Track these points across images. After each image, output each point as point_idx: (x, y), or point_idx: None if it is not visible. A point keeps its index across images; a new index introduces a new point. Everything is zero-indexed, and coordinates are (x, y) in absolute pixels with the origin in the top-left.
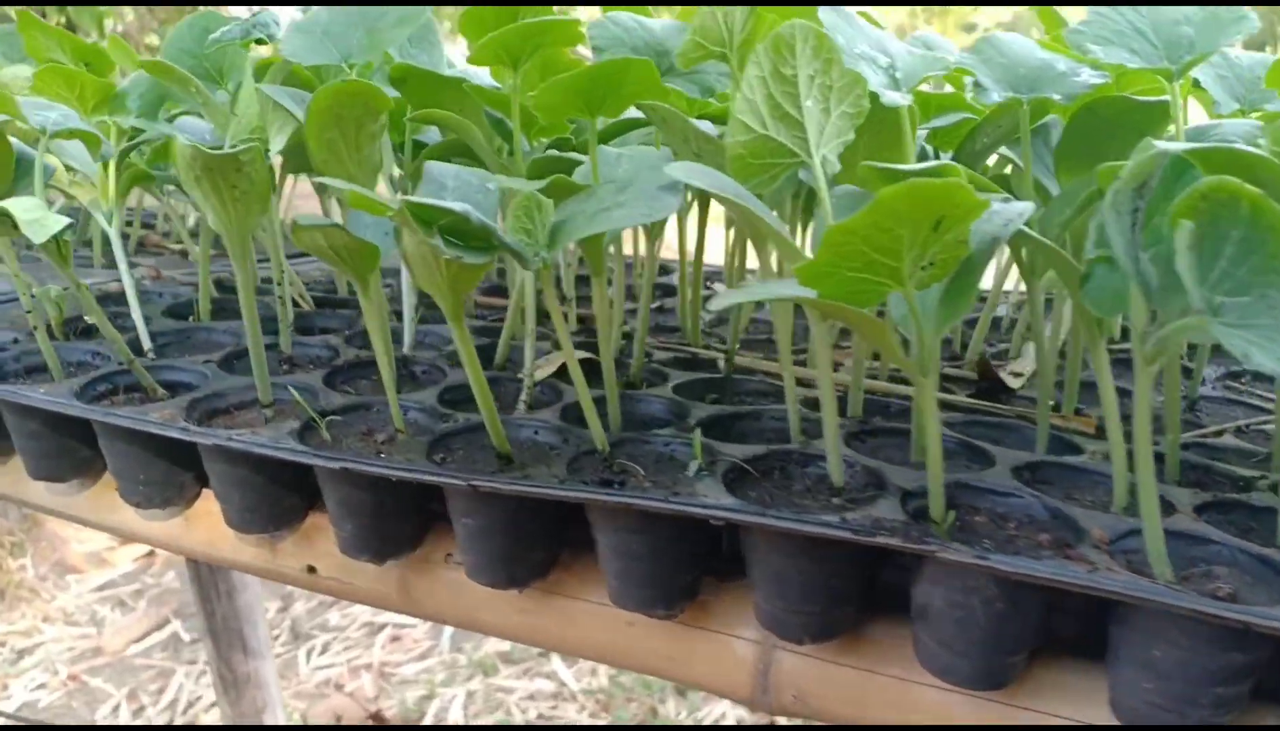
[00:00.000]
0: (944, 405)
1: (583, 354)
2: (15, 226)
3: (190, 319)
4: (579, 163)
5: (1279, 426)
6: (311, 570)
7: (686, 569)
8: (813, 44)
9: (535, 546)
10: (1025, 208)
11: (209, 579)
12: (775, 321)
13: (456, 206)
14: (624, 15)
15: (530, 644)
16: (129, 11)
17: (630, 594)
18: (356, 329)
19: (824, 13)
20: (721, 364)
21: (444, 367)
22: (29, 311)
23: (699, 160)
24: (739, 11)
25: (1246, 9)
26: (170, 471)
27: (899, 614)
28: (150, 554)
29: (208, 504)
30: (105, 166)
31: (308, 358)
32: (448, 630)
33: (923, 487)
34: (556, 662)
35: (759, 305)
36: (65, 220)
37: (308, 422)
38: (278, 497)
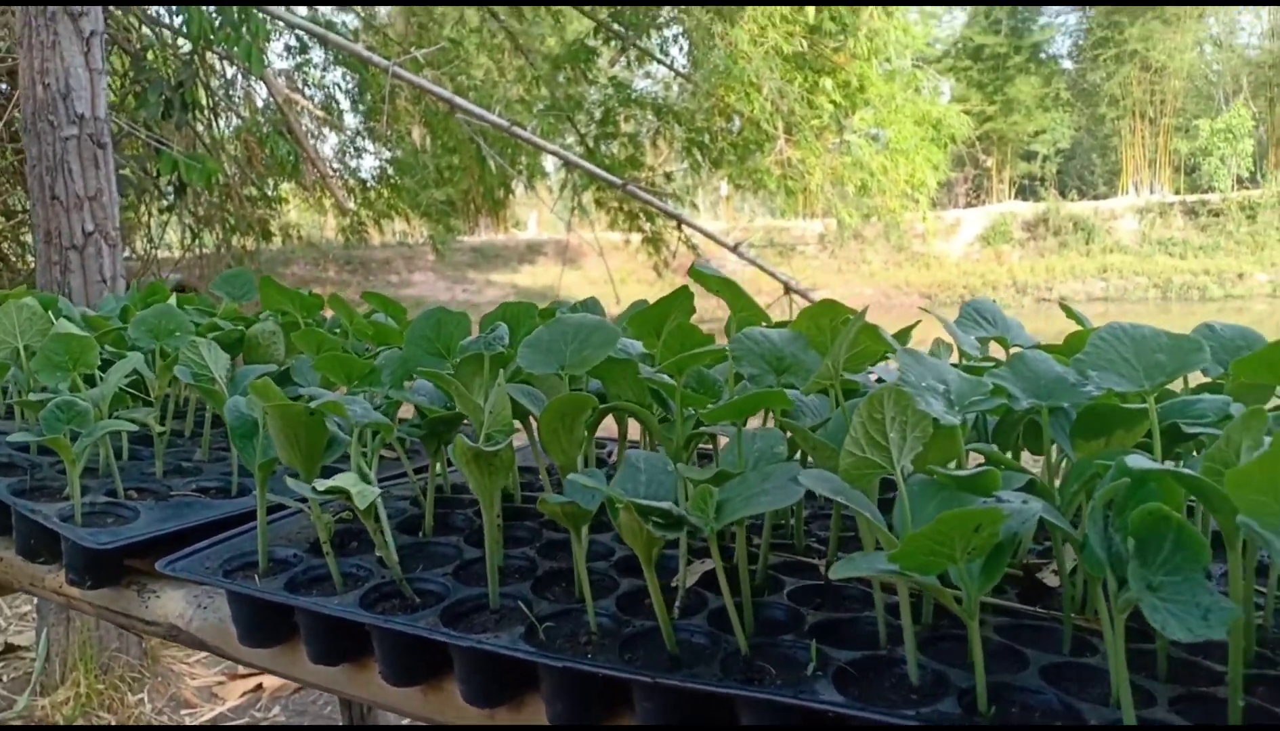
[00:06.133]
0: (997, 609)
1: (711, 563)
2: (349, 497)
3: (419, 533)
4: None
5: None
6: None
7: None
8: (894, 398)
9: (696, 724)
10: (1035, 510)
11: (359, 718)
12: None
13: (663, 505)
14: (755, 331)
15: None
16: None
17: None
18: (543, 540)
19: (901, 355)
20: (822, 568)
21: (615, 577)
22: (324, 543)
23: (813, 451)
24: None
25: (1202, 340)
26: (424, 658)
27: None
28: (258, 688)
29: (439, 680)
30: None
31: (514, 568)
32: None
33: (969, 687)
34: None
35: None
36: (378, 491)
37: (529, 626)
38: (504, 681)
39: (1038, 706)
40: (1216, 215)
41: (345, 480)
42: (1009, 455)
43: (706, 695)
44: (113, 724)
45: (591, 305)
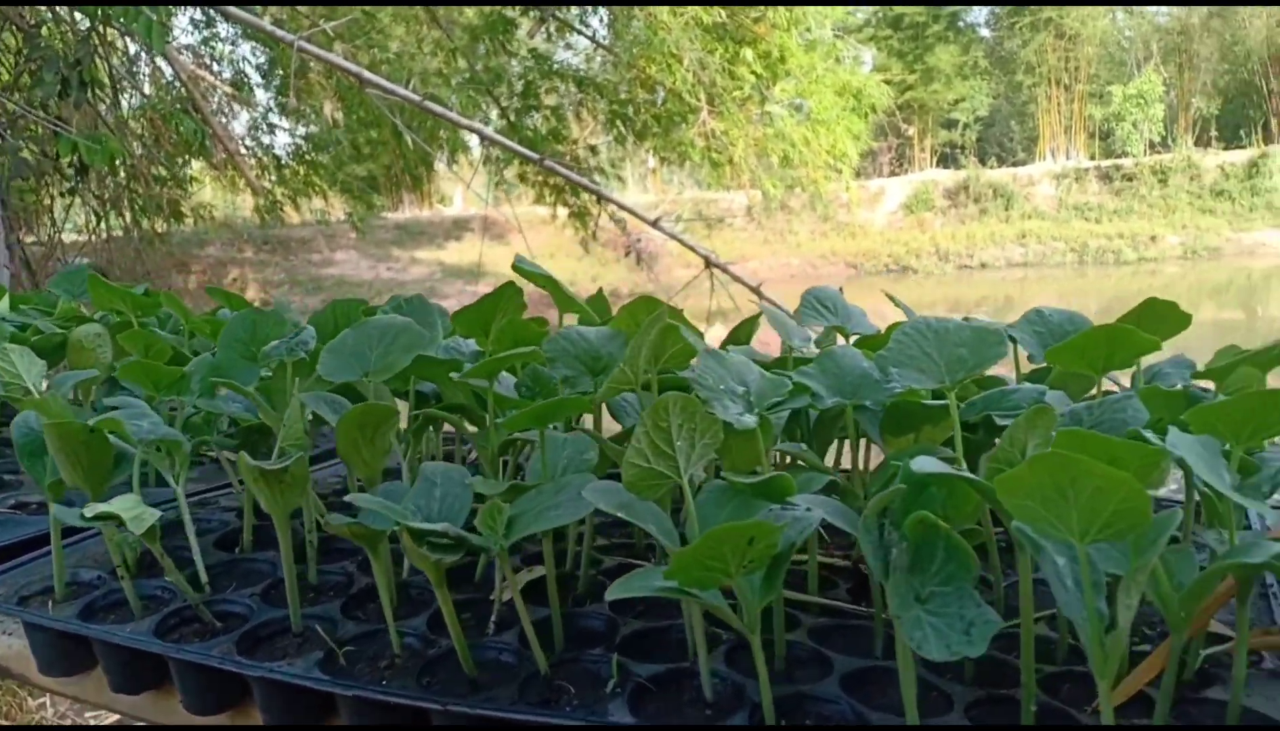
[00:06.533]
0: (823, 609)
1: (542, 571)
2: (121, 522)
3: (236, 549)
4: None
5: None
6: None
7: None
8: (681, 405)
9: None
10: (815, 518)
11: None
12: None
13: (439, 527)
14: (571, 330)
15: None
16: None
17: None
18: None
19: (702, 356)
20: None
21: (430, 591)
22: (119, 567)
23: (617, 458)
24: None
25: (1002, 332)
26: (226, 687)
27: None
28: None
29: (244, 707)
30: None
31: (329, 584)
32: None
33: (774, 698)
34: None
35: None
36: (157, 513)
37: (329, 652)
38: (305, 707)
39: (832, 717)
40: (1130, 180)
41: (121, 504)
42: (833, 449)
43: (500, 719)
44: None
45: (417, 304)
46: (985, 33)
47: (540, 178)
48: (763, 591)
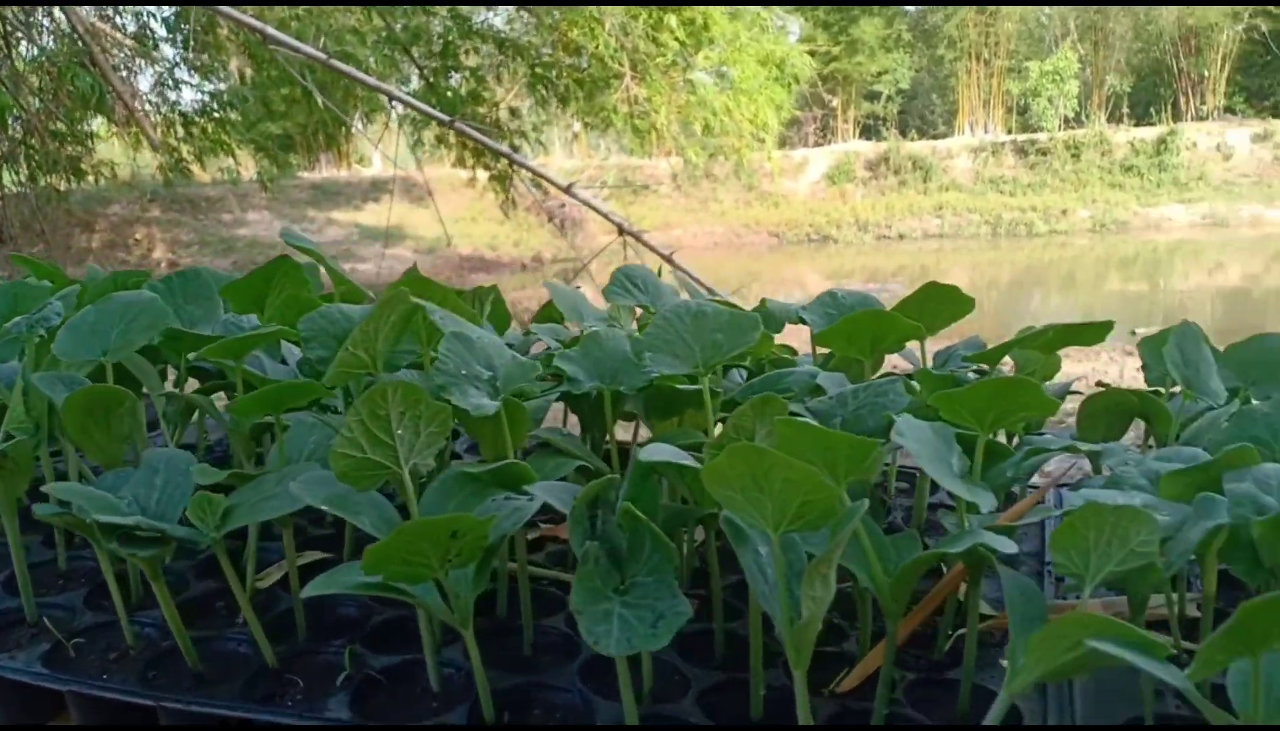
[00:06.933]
0: None
1: (317, 555)
2: None
3: None
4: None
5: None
6: None
7: None
8: (401, 392)
9: None
10: (530, 508)
11: None
12: None
13: (128, 521)
14: (331, 308)
15: None
16: None
17: None
18: None
19: (447, 340)
20: None
21: (191, 580)
22: None
23: None
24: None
25: (757, 317)
26: None
27: None
28: None
29: None
30: None
31: (82, 571)
32: None
33: (501, 689)
34: None
35: None
36: None
37: (57, 643)
38: (38, 701)
39: (560, 706)
40: (1044, 154)
41: None
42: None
43: (216, 715)
44: None
45: (191, 278)
46: (909, 7)
47: (460, 141)
48: (474, 584)
